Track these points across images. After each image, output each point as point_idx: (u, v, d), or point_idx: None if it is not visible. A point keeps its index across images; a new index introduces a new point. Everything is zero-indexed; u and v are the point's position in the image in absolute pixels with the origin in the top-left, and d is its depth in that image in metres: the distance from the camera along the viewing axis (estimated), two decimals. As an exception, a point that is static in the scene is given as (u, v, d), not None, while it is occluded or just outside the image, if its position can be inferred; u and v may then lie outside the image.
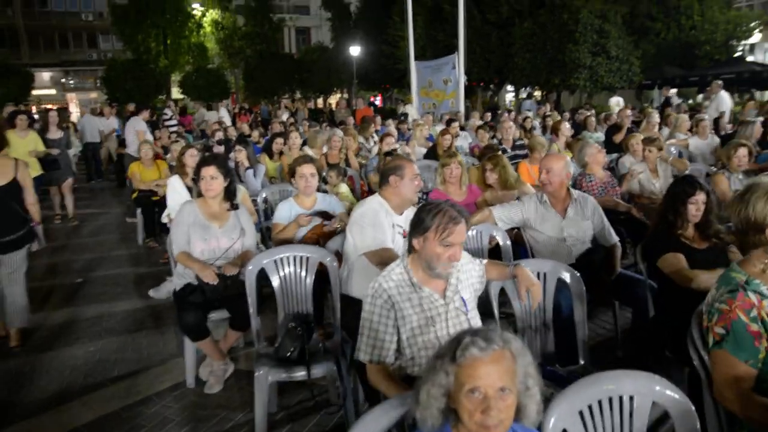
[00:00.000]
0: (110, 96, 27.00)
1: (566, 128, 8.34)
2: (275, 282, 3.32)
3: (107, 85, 27.90)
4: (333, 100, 35.06)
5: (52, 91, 39.99)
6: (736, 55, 22.42)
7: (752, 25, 21.81)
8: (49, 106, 19.78)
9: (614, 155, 7.96)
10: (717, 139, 8.95)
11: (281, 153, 7.96)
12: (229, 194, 3.90)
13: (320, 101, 37.07)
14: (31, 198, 4.41)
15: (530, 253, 4.04)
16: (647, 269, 3.34)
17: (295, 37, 43.68)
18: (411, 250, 2.44)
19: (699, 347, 2.09)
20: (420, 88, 16.70)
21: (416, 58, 16.95)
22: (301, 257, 3.38)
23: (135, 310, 5.15)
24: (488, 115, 14.02)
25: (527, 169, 6.15)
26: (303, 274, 3.37)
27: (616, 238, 3.94)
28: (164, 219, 6.47)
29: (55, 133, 8.48)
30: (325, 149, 8.12)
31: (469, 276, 2.57)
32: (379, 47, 29.15)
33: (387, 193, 3.44)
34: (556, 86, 22.37)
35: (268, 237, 5.94)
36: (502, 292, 2.94)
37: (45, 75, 40.33)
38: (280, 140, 8.01)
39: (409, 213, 3.51)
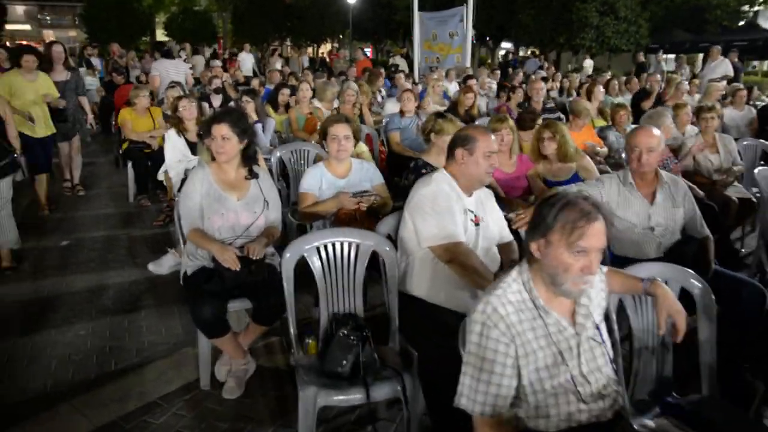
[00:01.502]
0: (90, 35, 25.59)
1: (600, 92, 7.68)
2: (317, 273, 2.67)
3: (87, 23, 26.41)
4: (324, 49, 33.78)
5: (27, 27, 38.04)
6: (743, 22, 21.71)
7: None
8: (24, 43, 18.51)
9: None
10: (753, 111, 8.38)
11: (287, 105, 7.24)
12: (248, 159, 3.23)
13: (309, 50, 35.74)
14: (12, 131, 4.63)
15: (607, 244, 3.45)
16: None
17: (285, -19, 41.85)
18: (530, 258, 1.82)
19: None
20: (423, 40, 15.71)
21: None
22: (350, 243, 2.72)
23: (130, 283, 4.47)
24: (497, 74, 13.22)
25: (567, 136, 5.51)
26: (353, 264, 2.72)
27: (707, 230, 3.36)
28: (160, 176, 5.78)
29: (60, 74, 6.49)
30: (336, 103, 7.40)
31: (598, 292, 1.96)
32: (375, -5, 27.95)
33: (453, 169, 2.80)
34: (560, 46, 21.53)
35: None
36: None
37: (18, 8, 38.31)
38: (286, 91, 7.28)
39: (481, 194, 2.89)
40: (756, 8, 22.16)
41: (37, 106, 5.83)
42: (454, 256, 2.58)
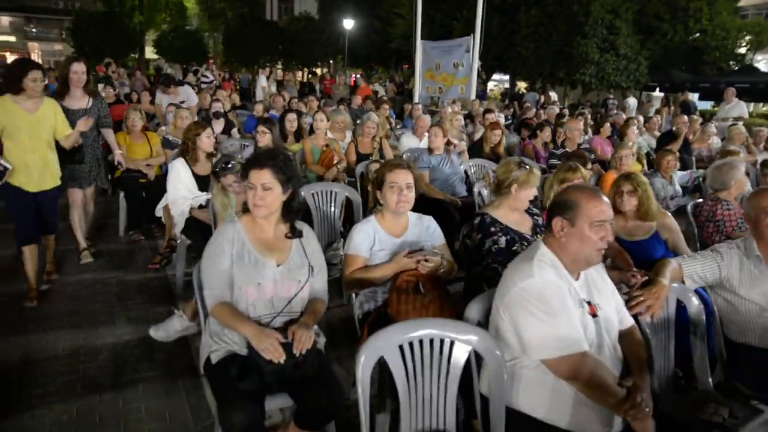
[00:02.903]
0: (77, 49, 24.88)
1: (635, 134, 7.17)
2: (400, 380, 2.00)
3: (74, 37, 25.70)
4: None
5: (11, 38, 37.14)
6: (738, 66, 21.68)
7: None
8: (7, 54, 17.70)
9: (681, 172, 6.86)
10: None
11: (297, 134, 6.63)
12: (290, 213, 2.57)
13: (300, 74, 35.33)
14: None
15: (719, 324, 2.83)
16: None
17: (277, 4, 41.65)
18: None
19: None
20: (425, 69, 15.26)
21: (412, 38, 15.44)
22: (441, 340, 2.05)
23: (123, 345, 3.70)
24: (512, 108, 12.78)
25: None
26: (445, 366, 2.05)
27: None
28: (158, 212, 5.12)
29: (80, 100, 4.75)
30: (348, 135, 6.80)
31: None
32: (370, 22, 27.60)
33: (553, 244, 2.16)
34: (560, 80, 21.27)
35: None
36: None
37: (4, 19, 37.51)
38: (292, 117, 6.67)
39: (592, 273, 2.25)
40: (754, 54, 22.17)
41: (35, 153, 4.07)
42: (577, 374, 1.94)
